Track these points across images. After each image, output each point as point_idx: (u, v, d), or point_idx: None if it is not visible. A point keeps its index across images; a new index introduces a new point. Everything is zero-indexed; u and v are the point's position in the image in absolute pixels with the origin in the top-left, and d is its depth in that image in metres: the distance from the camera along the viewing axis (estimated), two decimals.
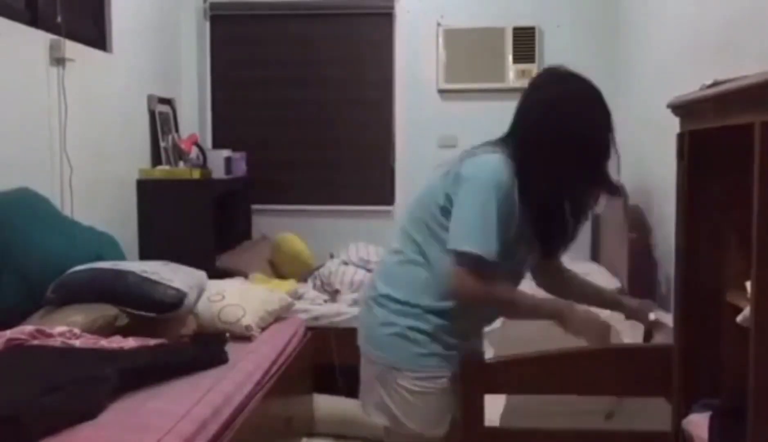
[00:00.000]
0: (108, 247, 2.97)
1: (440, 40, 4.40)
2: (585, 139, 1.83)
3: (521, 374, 1.95)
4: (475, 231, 1.76)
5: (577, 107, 1.89)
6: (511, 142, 1.88)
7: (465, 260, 1.75)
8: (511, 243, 1.83)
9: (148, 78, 3.92)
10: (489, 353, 2.30)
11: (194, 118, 4.46)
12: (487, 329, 2.16)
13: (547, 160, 1.82)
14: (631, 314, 2.06)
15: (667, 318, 2.08)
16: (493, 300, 1.86)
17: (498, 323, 2.40)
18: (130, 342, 2.34)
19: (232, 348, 2.54)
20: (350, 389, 3.44)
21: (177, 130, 4.18)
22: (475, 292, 1.79)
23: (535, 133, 1.86)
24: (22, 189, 2.68)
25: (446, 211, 1.83)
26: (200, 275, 2.89)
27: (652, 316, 2.02)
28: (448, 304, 1.85)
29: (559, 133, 1.83)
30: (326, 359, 3.44)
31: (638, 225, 3.32)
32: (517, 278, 1.99)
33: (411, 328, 1.86)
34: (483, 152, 1.86)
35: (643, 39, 3.70)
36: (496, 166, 1.80)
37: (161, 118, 4.00)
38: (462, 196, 1.80)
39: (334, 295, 3.78)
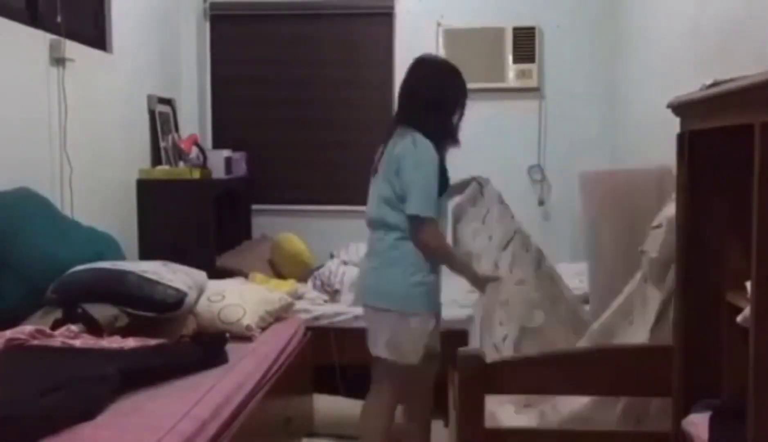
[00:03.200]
0: (108, 247, 2.96)
1: (440, 40, 4.40)
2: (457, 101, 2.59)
3: (521, 375, 1.96)
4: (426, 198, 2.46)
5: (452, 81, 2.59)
6: (412, 117, 2.53)
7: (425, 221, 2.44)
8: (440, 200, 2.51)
9: (148, 78, 3.92)
10: None
11: (194, 118, 4.46)
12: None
13: (444, 121, 2.56)
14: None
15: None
16: (446, 254, 2.55)
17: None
18: (130, 342, 2.34)
19: (232, 348, 2.54)
20: (350, 389, 3.45)
21: (177, 130, 4.18)
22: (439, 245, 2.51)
23: (433, 104, 2.53)
24: (22, 189, 2.68)
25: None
26: (200, 275, 2.88)
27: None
28: None
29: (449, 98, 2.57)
30: (326, 359, 3.44)
31: None
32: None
33: None
34: (409, 136, 2.49)
35: (643, 39, 3.70)
36: (426, 143, 2.46)
37: (161, 118, 4.00)
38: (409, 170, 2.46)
39: (334, 295, 3.78)
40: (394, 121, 2.62)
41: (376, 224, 2.64)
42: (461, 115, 2.62)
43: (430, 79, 2.57)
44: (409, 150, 2.46)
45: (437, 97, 2.54)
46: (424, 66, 2.61)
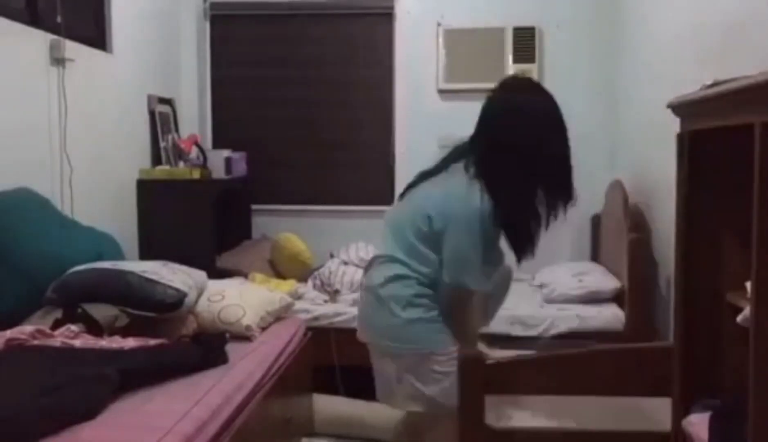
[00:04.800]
0: (108, 247, 2.97)
1: (440, 40, 4.40)
2: (551, 150, 2.06)
3: (521, 375, 1.96)
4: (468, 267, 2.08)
5: (545, 119, 2.10)
6: (476, 151, 2.10)
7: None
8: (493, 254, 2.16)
9: (148, 78, 3.92)
10: None
11: (194, 118, 4.46)
12: None
13: (511, 169, 2.02)
14: None
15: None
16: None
17: None
18: (130, 342, 2.34)
19: (232, 348, 2.54)
20: (350, 389, 3.45)
21: (177, 130, 4.18)
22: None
23: (506, 142, 2.06)
24: (22, 189, 2.68)
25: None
26: (200, 275, 2.88)
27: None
28: None
29: (528, 141, 2.03)
30: (326, 359, 3.44)
31: (638, 225, 3.32)
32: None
33: None
34: (457, 182, 2.07)
35: (643, 39, 3.70)
36: (476, 202, 2.02)
37: (161, 118, 4.00)
38: (452, 234, 2.06)
39: (334, 295, 3.78)
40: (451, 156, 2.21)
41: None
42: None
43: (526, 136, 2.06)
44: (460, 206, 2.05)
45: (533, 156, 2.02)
46: (521, 115, 2.13)
